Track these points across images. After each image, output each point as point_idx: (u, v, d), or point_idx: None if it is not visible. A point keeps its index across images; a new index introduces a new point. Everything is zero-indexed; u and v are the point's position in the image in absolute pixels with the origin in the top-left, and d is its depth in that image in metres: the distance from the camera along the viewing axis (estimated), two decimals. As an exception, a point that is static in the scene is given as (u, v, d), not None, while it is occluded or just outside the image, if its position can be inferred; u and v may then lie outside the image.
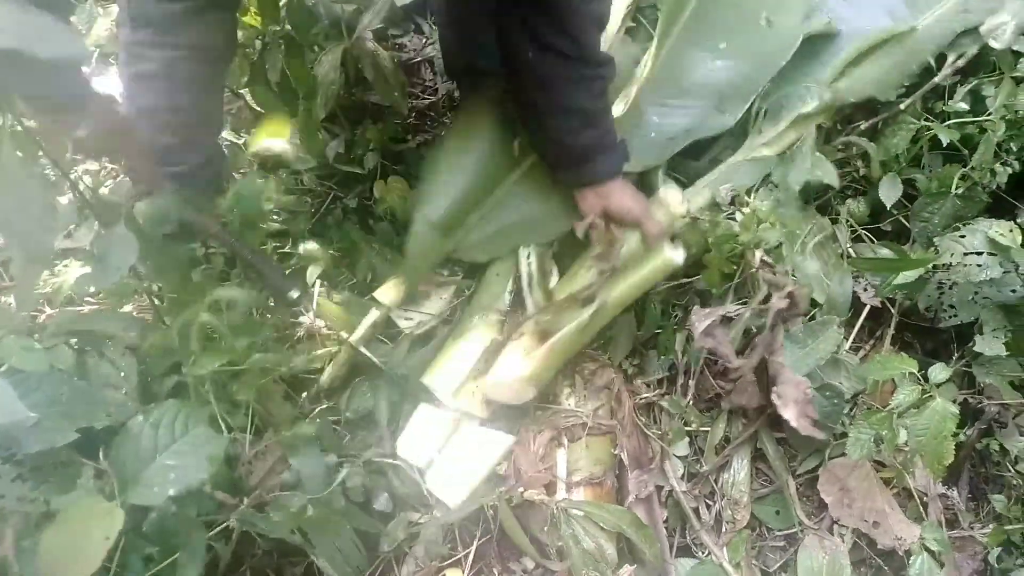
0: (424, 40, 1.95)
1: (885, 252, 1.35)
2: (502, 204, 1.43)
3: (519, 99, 1.30)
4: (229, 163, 1.49)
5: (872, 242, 1.39)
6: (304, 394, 1.28)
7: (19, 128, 0.88)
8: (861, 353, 1.37)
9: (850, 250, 1.37)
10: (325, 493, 1.00)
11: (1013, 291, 1.23)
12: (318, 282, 1.33)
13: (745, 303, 1.27)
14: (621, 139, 1.31)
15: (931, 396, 1.03)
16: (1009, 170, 1.33)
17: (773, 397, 1.09)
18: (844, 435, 1.17)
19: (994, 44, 1.28)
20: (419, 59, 1.92)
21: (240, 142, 1.65)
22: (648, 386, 1.34)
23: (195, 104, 1.25)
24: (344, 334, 1.28)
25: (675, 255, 1.28)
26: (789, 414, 1.08)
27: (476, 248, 1.41)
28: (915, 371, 1.05)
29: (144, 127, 1.21)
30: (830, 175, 1.35)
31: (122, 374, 1.03)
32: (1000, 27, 1.27)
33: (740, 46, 1.45)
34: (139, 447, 0.87)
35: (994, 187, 1.34)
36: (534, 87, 1.23)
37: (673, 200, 1.35)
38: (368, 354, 1.28)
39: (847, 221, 1.39)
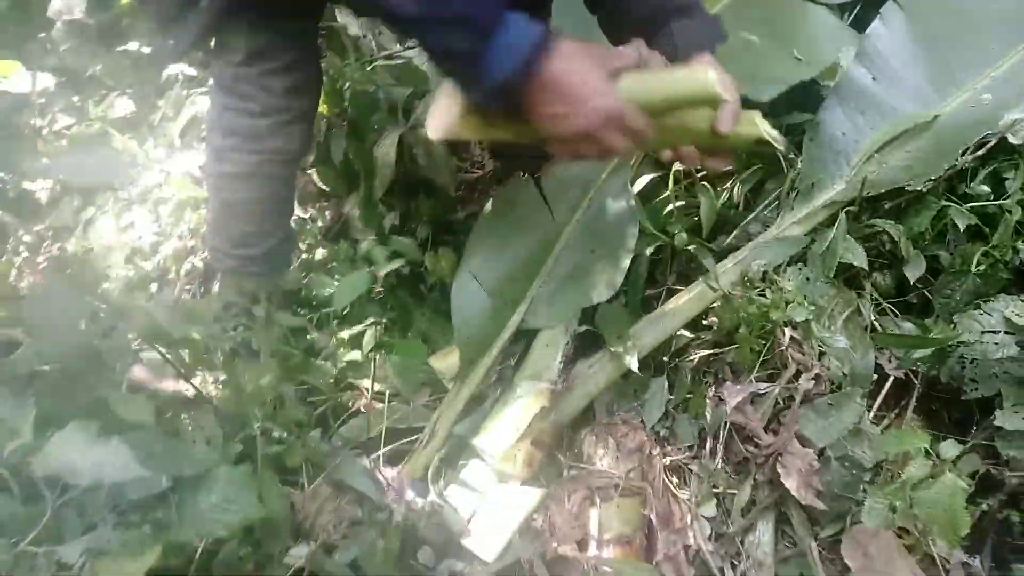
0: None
1: (908, 326, 1.41)
2: (553, 272, 1.55)
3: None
4: (296, 243, 1.66)
5: (896, 315, 1.46)
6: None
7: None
8: (885, 422, 1.43)
9: (875, 323, 1.44)
10: (385, 541, 1.10)
11: (1034, 367, 1.28)
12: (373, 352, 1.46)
13: (773, 376, 1.36)
14: (708, 13, 1.12)
15: (942, 471, 1.09)
16: (1032, 247, 1.40)
17: (778, 467, 1.17)
18: (866, 503, 1.23)
19: (1012, 140, 1.36)
20: (470, 136, 2.08)
21: (306, 216, 1.81)
22: (679, 449, 1.42)
23: (273, 197, 1.41)
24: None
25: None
26: (791, 484, 1.16)
27: (541, 316, 1.52)
28: (927, 446, 1.11)
29: (227, 217, 1.38)
30: (859, 257, 1.43)
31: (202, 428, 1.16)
32: (1017, 123, 1.35)
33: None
34: (211, 494, 0.99)
35: (1016, 264, 1.41)
36: None
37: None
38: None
39: (871, 296, 1.47)
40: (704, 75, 0.97)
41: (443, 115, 0.96)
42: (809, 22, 1.75)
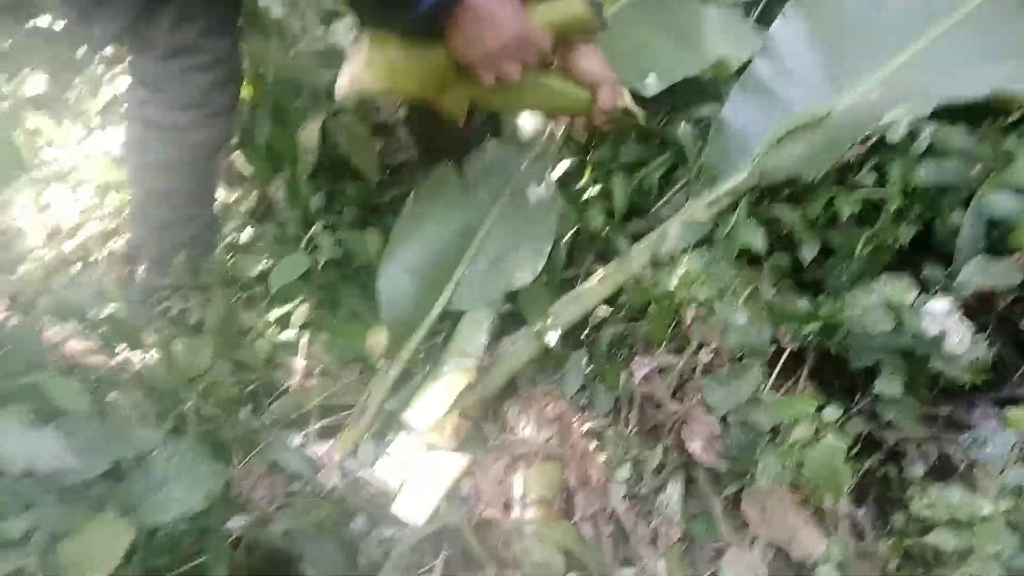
0: (398, 102, 2.14)
1: (803, 304, 1.54)
2: (477, 256, 1.63)
3: None
4: (220, 227, 1.67)
5: (793, 293, 1.59)
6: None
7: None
8: (783, 391, 1.56)
9: (773, 300, 1.57)
10: (317, 511, 1.16)
11: (910, 338, 1.43)
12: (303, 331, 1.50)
13: (680, 349, 1.48)
14: None
15: (824, 433, 1.22)
16: (912, 232, 1.55)
17: (683, 433, 1.29)
18: (764, 463, 1.36)
19: (889, 138, 1.49)
20: (395, 119, 2.11)
21: (231, 199, 1.81)
22: (596, 418, 1.52)
23: (194, 186, 1.43)
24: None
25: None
26: (695, 447, 1.28)
27: (466, 299, 1.59)
28: (813, 410, 1.24)
29: (149, 205, 1.39)
30: (759, 240, 1.55)
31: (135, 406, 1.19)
32: (894, 124, 1.49)
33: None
34: (151, 478, 1.03)
35: (899, 247, 1.56)
36: None
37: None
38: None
39: (770, 276, 1.59)
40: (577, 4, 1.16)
41: (350, 71, 1.03)
42: (704, 20, 1.87)
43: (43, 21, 2.12)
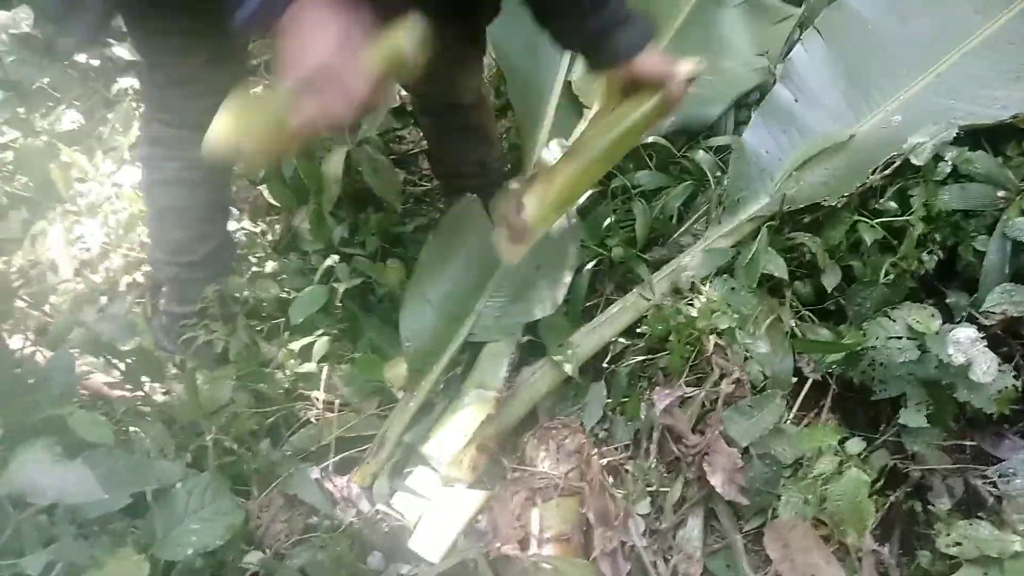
0: (421, 134, 2.17)
1: (824, 332, 1.53)
2: (498, 288, 1.63)
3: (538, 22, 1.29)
4: (236, 249, 1.70)
5: (814, 322, 1.57)
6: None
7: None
8: (805, 422, 1.54)
9: (795, 329, 1.55)
10: (334, 547, 1.16)
11: (936, 368, 1.40)
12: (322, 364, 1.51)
13: (701, 380, 1.46)
14: (642, 16, 1.22)
15: (848, 466, 1.19)
16: (935, 258, 1.52)
17: (704, 465, 1.27)
18: (787, 497, 1.33)
19: (915, 161, 1.47)
20: (417, 150, 2.14)
21: (257, 230, 1.85)
22: (616, 450, 1.51)
23: (205, 203, 1.46)
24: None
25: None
26: (716, 480, 1.25)
27: (487, 330, 1.60)
28: (836, 443, 1.22)
29: (162, 225, 1.42)
30: (780, 268, 1.54)
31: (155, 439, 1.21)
32: (919, 146, 1.47)
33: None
34: (172, 512, 1.05)
35: (922, 273, 1.53)
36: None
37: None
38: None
39: (792, 304, 1.57)
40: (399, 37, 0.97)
41: (213, 127, 1.01)
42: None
43: (80, 58, 2.19)
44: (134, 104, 2.10)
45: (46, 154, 1.96)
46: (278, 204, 1.85)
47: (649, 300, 1.57)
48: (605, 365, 1.62)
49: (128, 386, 1.35)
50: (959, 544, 1.20)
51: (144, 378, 1.39)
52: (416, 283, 1.61)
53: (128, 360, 1.37)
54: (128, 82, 2.13)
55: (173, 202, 1.46)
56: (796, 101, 1.74)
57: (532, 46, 1.91)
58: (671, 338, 1.48)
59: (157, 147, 1.39)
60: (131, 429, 1.24)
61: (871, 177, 1.55)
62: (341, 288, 1.51)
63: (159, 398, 1.42)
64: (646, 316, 1.57)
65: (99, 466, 0.97)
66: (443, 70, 1.23)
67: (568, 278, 1.61)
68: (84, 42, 1.19)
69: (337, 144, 1.78)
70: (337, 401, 1.50)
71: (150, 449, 1.20)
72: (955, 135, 1.47)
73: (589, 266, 1.71)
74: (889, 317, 1.42)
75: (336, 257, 1.59)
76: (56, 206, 1.93)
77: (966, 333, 1.30)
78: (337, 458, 1.41)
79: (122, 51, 2.23)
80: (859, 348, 1.42)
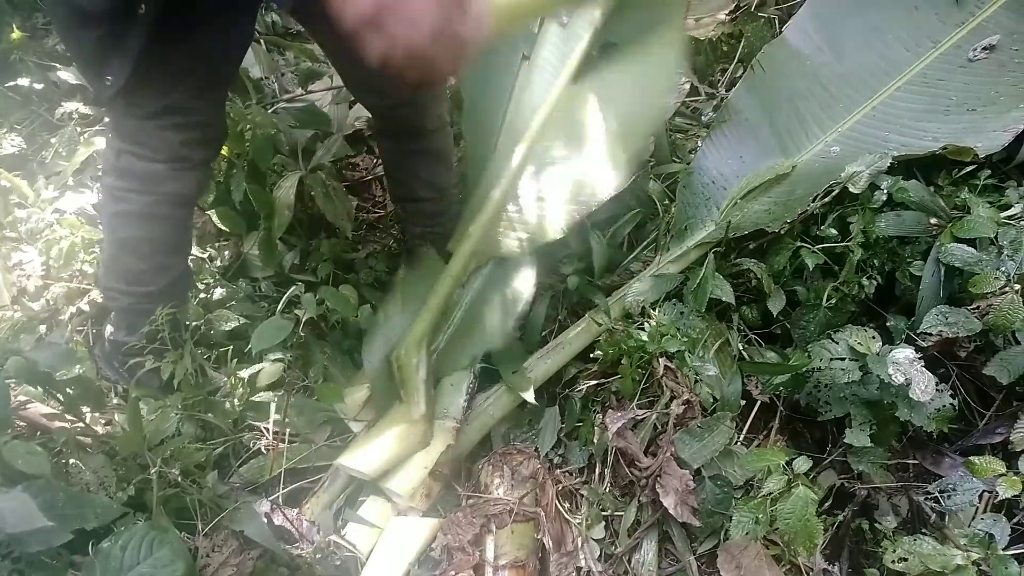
0: (375, 160, 2.18)
1: (771, 355, 1.56)
2: (456, 324, 1.65)
3: None
4: (193, 279, 1.66)
5: (761, 345, 1.61)
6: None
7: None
8: (756, 443, 1.57)
9: (743, 352, 1.58)
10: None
11: (877, 388, 1.44)
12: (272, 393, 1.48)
13: (653, 403, 1.48)
14: None
15: (796, 484, 1.22)
16: (875, 283, 1.58)
17: (657, 487, 1.28)
18: (737, 518, 1.35)
19: (852, 189, 1.53)
20: (370, 177, 2.14)
21: (205, 256, 1.81)
22: (570, 474, 1.51)
23: (168, 236, 1.43)
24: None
25: None
26: (669, 502, 1.27)
27: (444, 365, 1.61)
28: (784, 463, 1.24)
29: (122, 256, 1.39)
30: (727, 293, 1.57)
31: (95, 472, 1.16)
32: (856, 175, 1.53)
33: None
34: (108, 567, 0.99)
35: (863, 297, 1.58)
36: None
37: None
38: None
39: (739, 327, 1.61)
40: None
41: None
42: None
43: (22, 81, 2.14)
44: (78, 129, 2.05)
45: (-16, 178, 1.90)
46: (227, 230, 1.82)
47: (601, 325, 1.59)
48: (559, 390, 1.64)
49: (68, 416, 1.30)
50: (904, 560, 1.23)
51: (85, 408, 1.35)
52: (379, 325, 1.62)
53: (68, 389, 1.32)
54: (73, 106, 2.09)
55: (136, 234, 1.42)
56: (739, 132, 1.79)
57: (484, 78, 1.93)
58: (623, 362, 1.50)
59: (126, 179, 1.35)
60: (71, 461, 1.19)
61: (811, 205, 1.61)
62: (305, 317, 1.49)
63: (100, 429, 1.37)
64: (598, 340, 1.59)
65: (37, 497, 0.93)
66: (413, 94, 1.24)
67: (520, 309, 1.64)
68: (121, 85, 1.13)
69: (290, 170, 1.77)
70: (288, 431, 1.47)
71: (90, 482, 1.16)
72: (889, 164, 1.54)
73: (547, 296, 1.72)
74: (832, 339, 1.47)
75: (301, 286, 1.57)
76: (-6, 232, 1.87)
77: (905, 354, 1.35)
78: (287, 489, 1.38)
79: (67, 75, 2.19)
80: (804, 370, 1.45)
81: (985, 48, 1.67)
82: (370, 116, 1.90)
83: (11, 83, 2.14)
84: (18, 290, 1.79)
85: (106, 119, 1.41)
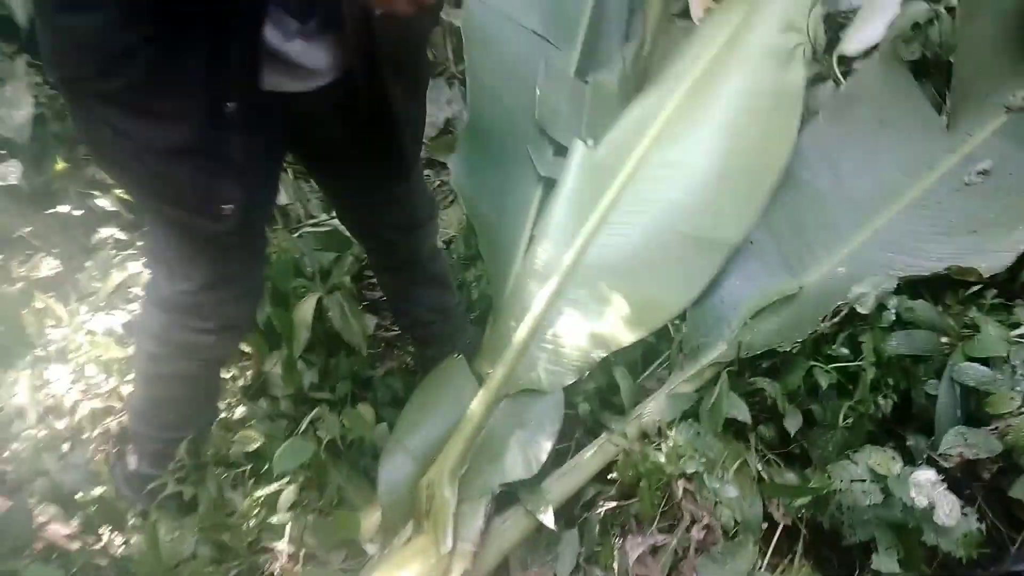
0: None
1: (790, 476, 1.55)
2: (478, 447, 1.61)
3: None
4: (219, 410, 1.69)
5: (780, 466, 1.60)
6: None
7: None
8: (780, 568, 1.53)
9: (762, 473, 1.57)
10: None
11: (901, 511, 1.41)
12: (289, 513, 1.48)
13: (673, 527, 1.46)
14: None
15: (823, 612, 1.19)
16: (891, 402, 1.58)
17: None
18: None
19: (860, 310, 1.57)
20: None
21: (227, 375, 1.85)
22: (590, 601, 1.47)
23: (205, 391, 1.47)
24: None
25: None
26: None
27: (464, 490, 1.55)
28: (807, 590, 1.22)
29: (155, 408, 1.42)
30: (742, 412, 1.58)
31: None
32: (863, 296, 1.56)
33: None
34: None
35: (880, 416, 1.58)
36: None
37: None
38: None
39: (757, 447, 1.61)
40: None
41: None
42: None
43: (62, 208, 2.26)
44: (113, 252, 2.14)
45: (20, 300, 1.98)
46: (250, 351, 1.87)
47: (617, 446, 1.59)
48: (577, 512, 1.61)
49: (86, 537, 1.30)
50: None
51: (103, 528, 1.35)
52: (397, 437, 1.61)
53: (89, 509, 1.33)
54: (109, 231, 2.19)
55: (174, 394, 1.44)
56: (746, 254, 1.85)
57: (500, 199, 2.02)
58: (641, 483, 1.49)
59: (170, 347, 1.34)
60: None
61: (821, 324, 1.64)
62: (326, 439, 1.50)
63: (118, 551, 1.37)
64: (616, 461, 1.59)
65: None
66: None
67: (549, 443, 1.60)
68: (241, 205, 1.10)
69: (309, 291, 1.84)
70: (302, 552, 1.45)
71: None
72: (896, 285, 1.57)
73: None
74: (851, 460, 1.46)
75: (325, 407, 1.59)
76: (27, 353, 1.92)
77: (926, 475, 1.33)
78: (301, 615, 1.35)
79: (104, 201, 2.31)
80: (825, 491, 1.44)
81: (980, 172, 1.74)
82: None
83: (51, 210, 2.26)
84: (44, 409, 1.82)
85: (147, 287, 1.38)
